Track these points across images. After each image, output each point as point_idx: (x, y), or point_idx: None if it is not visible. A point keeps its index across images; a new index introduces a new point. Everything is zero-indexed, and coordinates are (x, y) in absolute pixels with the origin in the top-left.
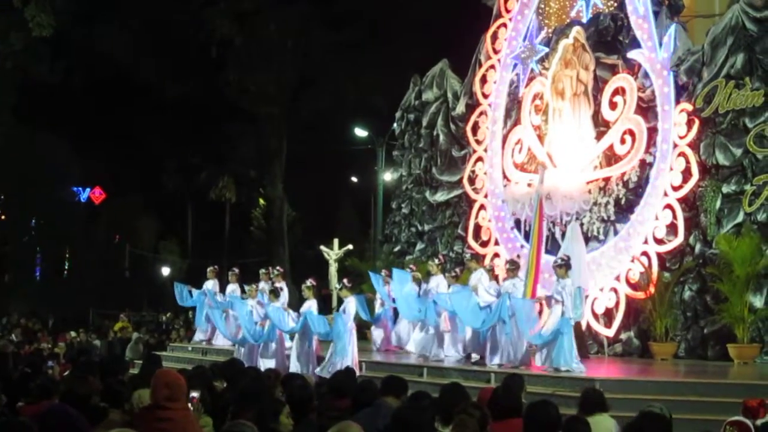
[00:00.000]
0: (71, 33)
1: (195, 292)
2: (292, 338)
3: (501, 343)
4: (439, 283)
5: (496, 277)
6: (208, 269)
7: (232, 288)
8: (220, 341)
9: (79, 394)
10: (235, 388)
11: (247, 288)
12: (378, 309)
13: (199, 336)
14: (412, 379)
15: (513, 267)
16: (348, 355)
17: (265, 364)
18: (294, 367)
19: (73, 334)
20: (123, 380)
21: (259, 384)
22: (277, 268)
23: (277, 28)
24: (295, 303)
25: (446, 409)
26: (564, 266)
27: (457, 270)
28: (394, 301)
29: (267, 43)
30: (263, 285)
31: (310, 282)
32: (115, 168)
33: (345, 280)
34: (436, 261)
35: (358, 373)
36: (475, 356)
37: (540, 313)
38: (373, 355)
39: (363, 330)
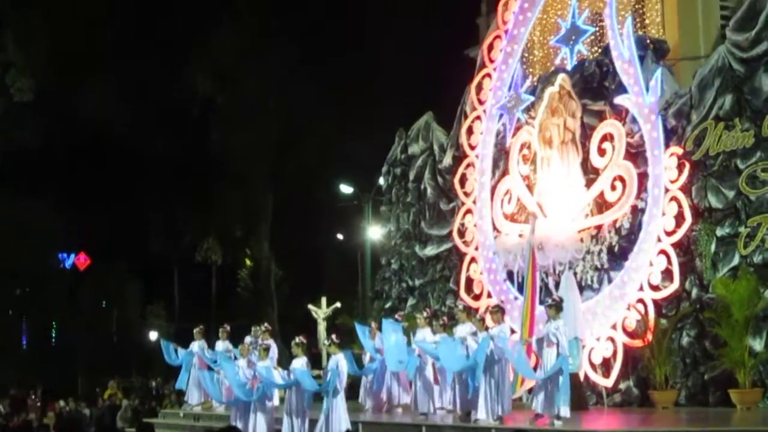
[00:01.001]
0: (52, 96)
1: (181, 351)
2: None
3: (488, 393)
4: (425, 336)
5: (486, 328)
6: (195, 330)
7: (223, 346)
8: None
9: None
10: None
11: (221, 347)
12: (367, 362)
13: (190, 399)
14: None
15: (497, 310)
16: (339, 414)
17: (259, 418)
18: (288, 430)
19: (62, 403)
20: None
21: None
22: (265, 325)
23: (259, 86)
24: (285, 361)
25: None
26: (555, 306)
27: (445, 319)
28: (380, 353)
29: (249, 100)
30: (249, 339)
31: (299, 339)
32: (99, 232)
33: (333, 336)
34: (424, 314)
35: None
36: (473, 415)
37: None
38: (367, 415)
39: (355, 388)
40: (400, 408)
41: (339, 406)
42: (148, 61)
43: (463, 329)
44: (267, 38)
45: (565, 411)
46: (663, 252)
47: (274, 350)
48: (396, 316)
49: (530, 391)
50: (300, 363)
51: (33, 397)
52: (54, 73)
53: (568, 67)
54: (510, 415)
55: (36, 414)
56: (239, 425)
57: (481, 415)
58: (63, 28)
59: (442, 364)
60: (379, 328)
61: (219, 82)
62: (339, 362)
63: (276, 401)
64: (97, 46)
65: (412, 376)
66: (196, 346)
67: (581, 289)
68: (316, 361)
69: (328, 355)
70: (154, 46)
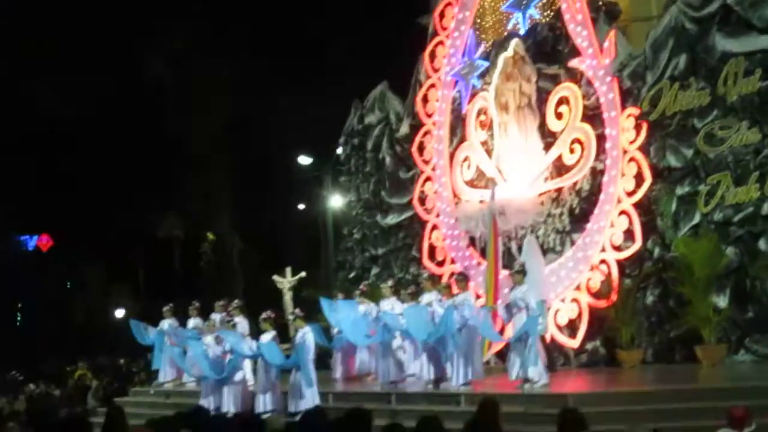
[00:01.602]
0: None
1: (152, 330)
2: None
3: (456, 360)
4: (393, 305)
5: (452, 296)
6: (164, 309)
7: (195, 322)
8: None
9: None
10: None
11: (192, 324)
12: (335, 335)
13: (163, 377)
14: (380, 407)
15: (462, 279)
16: (308, 387)
17: (230, 392)
18: (261, 404)
19: (32, 386)
20: None
21: None
22: (236, 301)
23: (211, 63)
24: (254, 336)
25: None
26: (521, 272)
27: (413, 287)
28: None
29: (203, 77)
30: (216, 316)
31: (267, 314)
32: (60, 214)
33: (297, 310)
34: (389, 283)
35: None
36: (444, 383)
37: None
38: (338, 385)
39: (326, 359)
40: (371, 376)
41: (308, 380)
42: (101, 43)
43: (429, 297)
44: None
45: (534, 373)
46: (624, 213)
47: (244, 326)
48: (361, 287)
49: (499, 355)
50: (268, 337)
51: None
52: (8, 57)
53: (521, 32)
54: (480, 380)
55: (7, 399)
56: (211, 401)
57: (451, 381)
58: (16, 12)
59: (410, 334)
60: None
61: (170, 64)
62: (306, 336)
63: (249, 375)
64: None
65: (386, 342)
66: (167, 324)
67: (544, 252)
68: (283, 331)
69: (295, 329)
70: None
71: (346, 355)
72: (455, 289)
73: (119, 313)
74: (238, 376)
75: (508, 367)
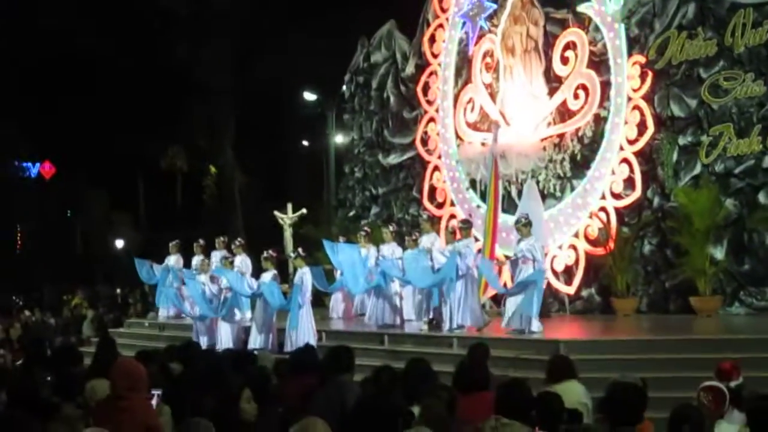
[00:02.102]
0: (11, 7)
1: (157, 268)
2: (253, 308)
3: (453, 305)
4: (394, 250)
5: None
6: (171, 244)
7: (198, 260)
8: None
9: (29, 390)
10: (193, 372)
11: (196, 261)
12: (338, 277)
13: (163, 313)
14: (372, 347)
15: (466, 226)
16: (303, 327)
17: (225, 329)
18: (254, 341)
19: (27, 313)
20: (76, 373)
21: (217, 368)
22: (239, 240)
23: None
24: (255, 273)
25: (412, 389)
26: (528, 224)
27: (416, 233)
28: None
29: (211, 12)
30: (217, 253)
31: (269, 252)
32: (64, 141)
33: (300, 249)
34: (390, 228)
35: (317, 343)
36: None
37: (499, 274)
38: (333, 324)
39: (321, 297)
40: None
41: (304, 319)
42: None
43: (428, 239)
44: None
45: (532, 323)
46: (625, 160)
47: (247, 264)
48: (364, 228)
49: (494, 299)
50: (268, 276)
51: None
52: None
53: None
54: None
55: (3, 326)
56: (205, 340)
57: (445, 325)
58: None
59: (411, 281)
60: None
61: None
62: (304, 277)
63: (248, 314)
64: None
65: (384, 287)
66: (173, 260)
67: (544, 197)
68: (283, 269)
69: (295, 268)
70: None
71: (346, 295)
72: (458, 235)
73: (119, 243)
74: (236, 314)
75: (503, 313)
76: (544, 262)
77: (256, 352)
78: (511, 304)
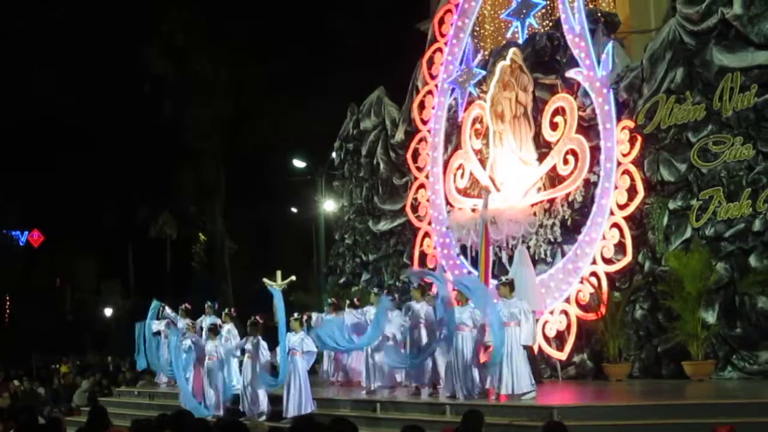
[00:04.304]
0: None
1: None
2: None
3: (447, 374)
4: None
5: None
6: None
7: (184, 323)
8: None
9: None
10: None
11: (181, 325)
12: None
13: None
14: (364, 414)
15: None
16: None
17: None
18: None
19: (16, 383)
20: None
21: None
22: (231, 309)
23: (210, 62)
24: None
25: None
26: (507, 284)
27: (356, 300)
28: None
29: (201, 77)
30: (207, 319)
31: (255, 319)
32: (52, 210)
33: (303, 317)
34: (375, 290)
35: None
36: (425, 390)
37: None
38: (325, 392)
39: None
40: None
41: (305, 385)
42: (98, 39)
43: (418, 307)
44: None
45: (523, 386)
46: (616, 225)
47: (234, 333)
48: (331, 299)
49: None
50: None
51: None
52: (4, 51)
53: (520, 41)
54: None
55: None
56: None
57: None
58: (12, 6)
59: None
60: (336, 307)
61: (170, 60)
62: (304, 340)
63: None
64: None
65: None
66: (162, 325)
67: (535, 263)
68: (271, 335)
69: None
70: (105, 25)
71: (336, 360)
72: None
73: (108, 311)
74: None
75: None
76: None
77: (247, 422)
78: (504, 368)
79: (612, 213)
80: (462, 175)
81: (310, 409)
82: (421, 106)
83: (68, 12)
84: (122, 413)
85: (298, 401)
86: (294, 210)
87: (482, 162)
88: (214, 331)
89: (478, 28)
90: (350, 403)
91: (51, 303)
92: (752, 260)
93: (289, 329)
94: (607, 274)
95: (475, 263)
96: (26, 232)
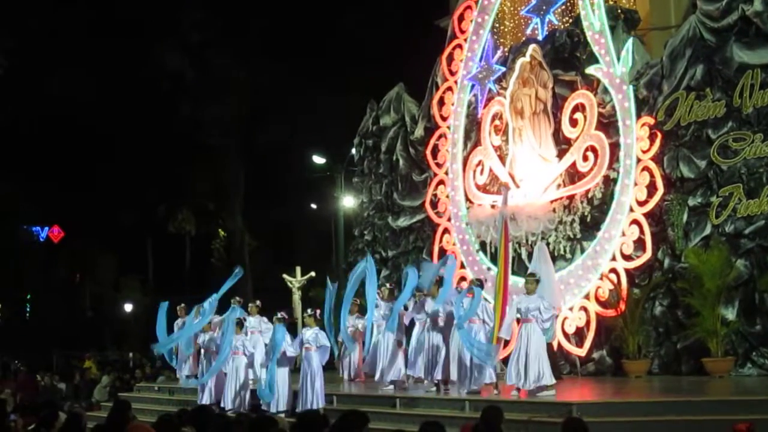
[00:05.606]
0: (22, 72)
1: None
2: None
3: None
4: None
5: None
6: (178, 307)
7: (257, 320)
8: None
9: None
10: None
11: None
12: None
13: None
14: (384, 410)
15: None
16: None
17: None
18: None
19: (37, 377)
20: None
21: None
22: (257, 302)
23: (228, 60)
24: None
25: None
26: (534, 281)
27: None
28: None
29: (219, 75)
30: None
31: (281, 314)
32: (72, 206)
33: (317, 312)
34: (387, 286)
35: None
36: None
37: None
38: (343, 387)
39: (332, 360)
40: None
41: (317, 381)
42: (116, 38)
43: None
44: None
45: (543, 381)
46: (635, 222)
47: (269, 326)
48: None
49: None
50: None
51: (5, 373)
52: (24, 49)
53: (539, 38)
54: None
55: (10, 390)
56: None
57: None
58: (31, 5)
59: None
60: (360, 309)
61: (188, 57)
62: (318, 335)
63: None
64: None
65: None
66: (180, 323)
67: (554, 259)
68: (292, 330)
69: (303, 324)
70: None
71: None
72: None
73: (128, 306)
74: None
75: (513, 375)
76: (552, 326)
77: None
78: (521, 364)
79: (631, 210)
80: (481, 172)
81: (319, 404)
82: (441, 102)
83: (86, 10)
84: (142, 408)
85: (310, 397)
86: (313, 206)
87: (502, 158)
88: (240, 325)
89: (497, 25)
90: (369, 399)
91: (71, 299)
92: None
93: (303, 325)
94: (627, 271)
95: (494, 259)
96: (46, 228)
